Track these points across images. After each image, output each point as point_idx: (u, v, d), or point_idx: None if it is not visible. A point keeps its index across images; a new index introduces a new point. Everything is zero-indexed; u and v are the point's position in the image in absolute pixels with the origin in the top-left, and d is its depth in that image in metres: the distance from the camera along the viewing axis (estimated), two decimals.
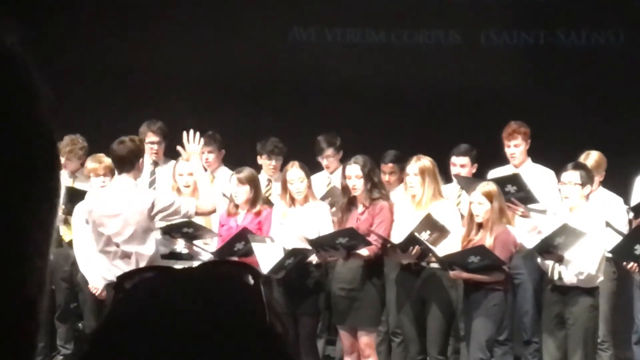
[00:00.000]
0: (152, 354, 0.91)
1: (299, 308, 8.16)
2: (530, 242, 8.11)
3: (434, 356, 8.07)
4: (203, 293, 0.96)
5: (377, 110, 11.33)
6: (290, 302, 8.09)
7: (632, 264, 7.99)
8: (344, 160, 8.78)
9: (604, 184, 8.81)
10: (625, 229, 8.45)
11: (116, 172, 7.78)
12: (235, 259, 7.75)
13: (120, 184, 7.54)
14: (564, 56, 11.33)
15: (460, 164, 9.00)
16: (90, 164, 8.83)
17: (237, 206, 8.44)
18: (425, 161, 8.10)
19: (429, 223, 7.88)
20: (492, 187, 7.92)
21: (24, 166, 0.92)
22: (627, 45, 11.14)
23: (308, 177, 8.38)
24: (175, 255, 8.66)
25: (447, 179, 8.80)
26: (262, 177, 9.20)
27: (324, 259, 8.23)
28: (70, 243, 8.83)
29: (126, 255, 7.45)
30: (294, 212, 8.29)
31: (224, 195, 8.83)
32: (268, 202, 8.72)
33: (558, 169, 8.35)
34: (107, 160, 8.31)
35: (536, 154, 9.09)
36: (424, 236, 7.85)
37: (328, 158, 9.50)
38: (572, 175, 7.94)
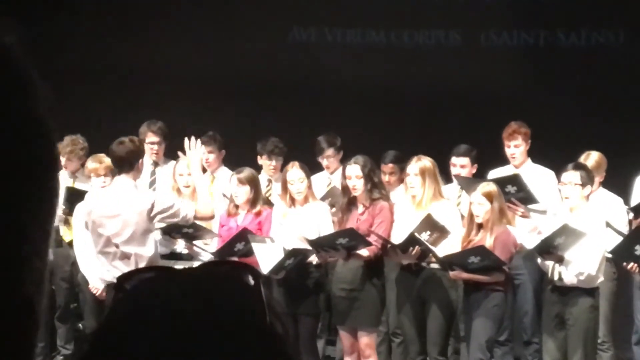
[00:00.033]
0: (152, 354, 0.91)
1: (299, 308, 8.15)
2: (530, 242, 8.11)
3: (434, 356, 8.07)
4: (203, 293, 0.96)
5: (377, 111, 11.33)
6: (291, 303, 8.09)
7: (632, 264, 7.99)
8: (344, 161, 8.78)
9: (604, 184, 8.81)
10: (625, 230, 8.46)
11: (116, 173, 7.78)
12: (236, 259, 7.75)
13: (119, 185, 7.54)
14: (564, 56, 11.33)
15: (461, 165, 9.00)
16: (90, 164, 8.83)
17: (237, 206, 8.44)
18: (426, 161, 8.10)
19: (429, 223, 7.88)
20: (492, 187, 7.92)
21: (23, 166, 0.92)
22: (627, 46, 11.14)
23: (308, 178, 8.38)
24: (175, 256, 8.67)
25: (448, 179, 8.80)
26: (263, 178, 9.20)
27: (324, 260, 8.23)
28: (70, 243, 8.83)
29: (125, 256, 7.45)
30: (294, 212, 8.29)
31: (224, 195, 8.83)
32: (268, 203, 8.72)
33: (558, 170, 8.35)
34: (108, 161, 8.31)
35: (536, 154, 9.09)
36: (424, 236, 7.85)
37: (328, 158, 9.50)
38: (572, 176, 7.94)
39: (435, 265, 8.02)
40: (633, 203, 8.60)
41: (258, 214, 8.42)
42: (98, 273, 7.81)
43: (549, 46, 11.47)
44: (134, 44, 11.77)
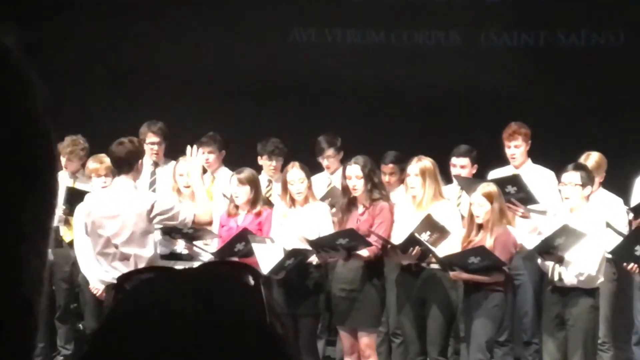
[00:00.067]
0: (152, 354, 0.91)
1: (299, 309, 8.15)
2: (530, 242, 8.11)
3: (434, 357, 8.07)
4: (203, 293, 0.96)
5: (377, 111, 11.34)
6: (291, 303, 8.09)
7: (632, 264, 7.99)
8: (344, 161, 8.78)
9: (604, 184, 8.81)
10: (625, 230, 8.46)
11: (113, 174, 7.78)
12: (236, 259, 7.75)
13: (119, 186, 7.54)
14: (564, 57, 11.33)
15: (461, 165, 9.00)
16: (91, 164, 8.84)
17: (237, 207, 8.44)
18: (426, 162, 8.10)
19: (429, 224, 7.88)
20: (492, 188, 7.92)
21: (22, 166, 0.92)
22: (627, 46, 11.14)
23: (308, 178, 8.38)
24: (175, 256, 8.67)
25: (448, 179, 8.81)
26: (263, 178, 9.20)
27: (324, 260, 8.23)
28: (70, 243, 8.83)
29: (125, 257, 7.45)
30: (294, 212, 8.29)
31: (224, 195, 8.83)
32: (268, 203, 8.72)
33: (558, 170, 8.35)
34: (109, 161, 8.31)
35: (536, 154, 9.09)
36: (424, 237, 7.85)
37: (329, 158, 9.49)
38: (572, 176, 7.94)
39: (435, 266, 8.02)
40: (633, 203, 8.60)
41: (258, 214, 8.42)
42: (97, 274, 7.80)
43: (549, 46, 11.47)
44: (134, 44, 11.77)
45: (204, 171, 9.18)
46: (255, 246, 8.05)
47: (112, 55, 11.81)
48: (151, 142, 9.54)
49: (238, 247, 8.14)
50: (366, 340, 8.22)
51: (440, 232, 7.88)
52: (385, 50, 11.81)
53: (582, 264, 7.79)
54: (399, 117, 11.21)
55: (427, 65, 11.47)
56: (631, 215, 8.55)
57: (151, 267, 1.05)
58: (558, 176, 8.32)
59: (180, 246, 8.64)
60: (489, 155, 9.13)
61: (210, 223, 7.94)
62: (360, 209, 8.21)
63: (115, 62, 11.80)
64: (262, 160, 9.56)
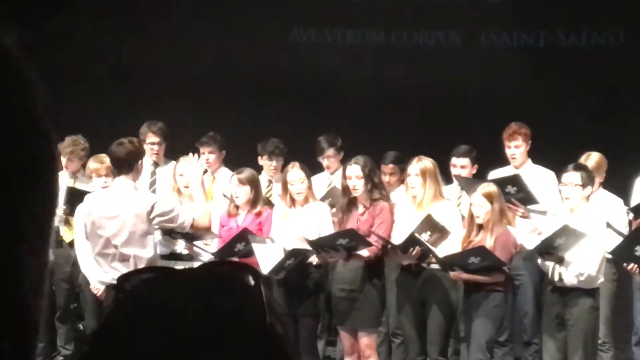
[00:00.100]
0: (152, 354, 0.91)
1: (299, 309, 8.15)
2: (530, 243, 8.11)
3: (434, 357, 8.07)
4: (203, 293, 0.96)
5: (377, 111, 11.34)
6: (291, 303, 8.09)
7: (632, 265, 7.99)
8: (344, 161, 8.78)
9: (604, 185, 8.81)
10: (625, 230, 8.46)
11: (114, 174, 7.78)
12: (236, 259, 7.75)
13: (118, 186, 7.54)
14: (564, 57, 11.33)
15: (461, 165, 9.00)
16: (92, 164, 8.84)
17: (237, 207, 8.45)
18: (427, 162, 8.10)
19: (430, 224, 7.88)
20: (492, 188, 7.92)
21: (22, 166, 0.92)
22: (627, 46, 11.15)
23: (308, 178, 8.38)
24: (175, 256, 8.67)
25: (448, 180, 8.81)
26: (263, 178, 9.20)
27: (325, 260, 8.23)
28: (71, 243, 8.83)
29: (124, 258, 7.45)
30: (294, 213, 8.29)
31: (224, 195, 8.83)
32: (268, 203, 8.72)
33: (558, 170, 8.35)
34: (109, 161, 8.31)
35: (536, 154, 9.09)
36: (425, 237, 7.85)
37: (329, 158, 9.50)
38: (572, 177, 7.94)
39: (435, 266, 8.02)
40: (633, 204, 8.60)
41: (258, 214, 8.42)
42: (96, 275, 7.79)
43: (549, 47, 11.47)
44: (134, 44, 11.78)
45: (204, 171, 9.19)
46: (255, 246, 8.05)
47: (112, 56, 11.81)
48: (151, 142, 9.54)
49: (238, 247, 8.14)
50: (366, 341, 8.22)
51: (440, 232, 7.88)
52: (385, 50, 11.81)
53: (582, 264, 7.79)
54: (399, 117, 11.21)
55: (427, 66, 11.48)
56: (631, 215, 8.55)
57: (151, 267, 1.05)
58: (558, 176, 8.32)
59: (181, 246, 8.64)
60: (489, 156, 9.13)
61: (208, 228, 7.97)
62: (361, 209, 8.21)
63: (116, 62, 11.80)
64: (263, 161, 9.56)
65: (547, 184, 8.75)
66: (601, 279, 7.94)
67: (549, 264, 7.97)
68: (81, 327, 9.47)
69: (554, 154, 8.89)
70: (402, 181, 8.58)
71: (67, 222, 8.90)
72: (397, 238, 7.99)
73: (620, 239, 8.14)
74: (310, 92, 11.45)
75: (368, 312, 8.16)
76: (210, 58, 11.79)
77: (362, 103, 11.38)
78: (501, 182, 8.29)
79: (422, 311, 8.09)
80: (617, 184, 8.86)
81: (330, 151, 9.49)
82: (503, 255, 7.74)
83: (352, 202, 8.24)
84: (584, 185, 7.92)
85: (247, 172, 8.44)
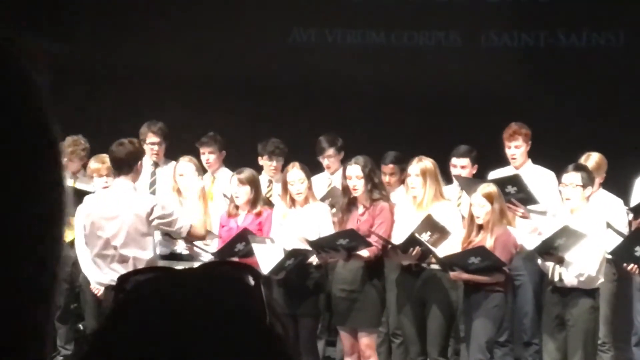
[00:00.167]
0: (153, 354, 0.92)
1: (299, 309, 8.15)
2: (530, 243, 8.11)
3: (434, 357, 8.07)
4: (203, 294, 0.96)
5: (377, 111, 11.34)
6: (291, 303, 8.09)
7: (632, 265, 7.99)
8: (345, 161, 8.78)
9: (604, 185, 8.81)
10: (625, 230, 8.46)
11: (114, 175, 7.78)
12: (236, 259, 7.76)
13: (118, 187, 7.54)
14: (564, 57, 11.33)
15: (461, 165, 9.00)
16: (93, 164, 8.84)
17: (237, 207, 8.45)
18: (427, 162, 8.10)
19: (430, 224, 7.88)
20: (492, 188, 7.92)
21: (22, 160, 0.92)
22: (627, 47, 11.14)
23: (308, 178, 8.38)
24: (175, 256, 8.67)
25: (448, 180, 8.81)
26: (263, 178, 9.20)
27: (325, 261, 8.23)
28: (71, 243, 8.83)
29: (124, 260, 7.44)
30: (294, 213, 8.29)
31: (225, 196, 8.83)
32: (268, 203, 8.72)
33: (558, 170, 8.35)
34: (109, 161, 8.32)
35: (536, 155, 9.09)
36: (425, 237, 7.85)
37: (329, 158, 9.50)
38: (573, 177, 7.94)
39: (435, 266, 8.02)
40: (633, 204, 8.60)
41: (258, 214, 8.42)
42: (95, 277, 7.78)
43: (549, 47, 11.47)
44: (134, 44, 11.78)
45: (204, 171, 9.20)
46: (255, 246, 8.06)
47: (112, 56, 11.81)
48: (151, 142, 9.54)
49: (238, 247, 8.14)
50: (366, 341, 8.22)
51: (440, 232, 7.88)
52: (386, 50, 11.81)
53: (582, 265, 7.79)
54: (399, 117, 11.21)
55: (427, 66, 11.48)
56: (631, 215, 8.55)
57: (151, 267, 1.05)
58: (558, 177, 8.32)
59: (181, 246, 8.64)
60: (489, 156, 9.13)
61: (203, 237, 8.01)
62: (361, 209, 8.21)
63: (116, 63, 11.80)
64: (263, 161, 9.56)
65: (547, 184, 8.75)
66: (601, 280, 7.94)
67: (549, 265, 7.97)
68: (81, 327, 9.46)
69: (554, 154, 8.89)
70: (402, 181, 8.58)
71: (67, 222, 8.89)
72: (397, 238, 7.99)
73: (620, 239, 8.14)
74: (310, 92, 11.45)
75: (368, 312, 8.16)
76: (211, 58, 11.79)
77: (362, 103, 11.38)
78: (501, 182, 8.29)
79: (422, 311, 8.09)
80: (617, 184, 8.86)
81: (331, 151, 9.49)
82: (503, 256, 7.74)
83: (352, 202, 8.24)
84: (584, 186, 7.92)
85: (247, 172, 8.44)
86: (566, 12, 11.29)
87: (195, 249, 8.51)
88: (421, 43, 11.78)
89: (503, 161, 9.14)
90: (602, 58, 11.18)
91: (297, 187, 8.25)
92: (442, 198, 8.14)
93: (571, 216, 7.94)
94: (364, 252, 8.03)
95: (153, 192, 9.24)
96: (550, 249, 7.85)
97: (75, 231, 8.60)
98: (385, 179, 8.77)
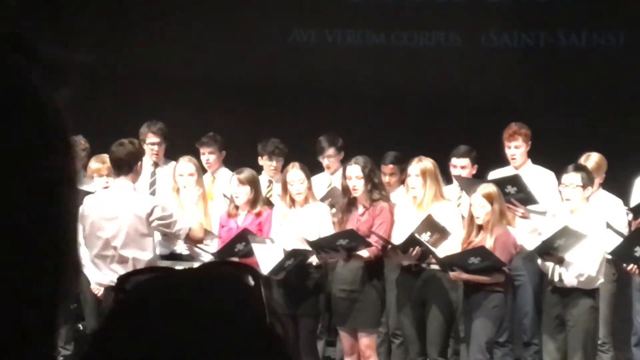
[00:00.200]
0: (153, 354, 0.92)
1: (299, 309, 8.16)
2: (530, 243, 8.11)
3: (434, 357, 8.07)
4: (203, 294, 0.96)
5: (377, 112, 11.34)
6: (290, 303, 8.09)
7: (632, 265, 7.99)
8: (344, 162, 8.78)
9: (604, 185, 8.81)
10: (624, 231, 8.45)
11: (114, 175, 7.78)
12: (236, 259, 7.76)
13: (117, 187, 7.54)
14: (564, 58, 11.33)
15: (461, 166, 9.00)
16: (93, 164, 8.84)
17: (237, 207, 8.45)
18: (427, 162, 8.10)
19: (430, 224, 7.88)
20: (492, 188, 7.92)
21: (31, 150, 0.92)
22: (627, 47, 11.14)
23: (308, 179, 8.38)
24: (175, 256, 8.67)
25: (448, 180, 8.81)
26: (263, 178, 9.20)
27: (325, 261, 8.23)
28: None
29: (123, 260, 7.44)
30: (294, 213, 8.29)
31: (224, 196, 8.83)
32: (268, 203, 8.72)
33: (558, 171, 8.35)
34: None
35: (536, 155, 9.09)
36: (425, 237, 7.85)
37: (329, 158, 9.50)
38: (573, 178, 7.94)
39: (435, 266, 8.02)
40: (633, 204, 8.60)
41: (258, 214, 8.42)
42: (95, 277, 7.78)
43: (549, 47, 11.46)
44: (134, 44, 11.77)
45: (204, 171, 9.20)
46: (255, 246, 8.06)
47: (112, 56, 11.81)
48: (151, 142, 9.54)
49: (238, 247, 8.14)
50: (366, 341, 8.22)
51: (440, 232, 7.88)
52: (386, 51, 11.80)
53: (582, 265, 7.79)
54: (399, 117, 11.21)
55: (427, 66, 11.47)
56: (630, 215, 8.55)
57: (151, 267, 1.05)
58: (558, 177, 8.32)
59: (181, 246, 8.64)
60: (489, 156, 9.13)
61: (201, 241, 8.03)
62: (360, 209, 8.21)
63: (116, 63, 11.80)
64: (263, 161, 9.56)
65: (547, 184, 8.75)
66: (601, 280, 7.94)
67: (549, 265, 7.97)
68: (81, 327, 9.46)
69: (554, 155, 8.89)
70: (402, 181, 8.58)
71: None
72: (397, 238, 7.99)
73: (620, 240, 8.14)
74: (310, 92, 11.45)
75: (368, 313, 8.16)
76: (210, 58, 11.79)
77: (362, 103, 11.38)
78: (501, 183, 8.29)
79: (422, 311, 8.09)
80: (617, 185, 8.86)
81: (331, 151, 9.50)
82: (503, 256, 7.74)
83: (352, 203, 8.24)
84: (584, 186, 7.92)
85: (247, 172, 8.44)
86: (566, 12, 11.29)
87: (195, 249, 8.51)
88: (421, 43, 11.78)
89: (503, 161, 9.14)
90: (602, 58, 11.17)
91: (297, 187, 8.25)
92: (442, 198, 8.14)
93: (571, 216, 7.94)
94: (364, 253, 8.03)
95: (153, 193, 9.24)
96: (550, 250, 7.85)
97: None
98: (385, 179, 8.77)
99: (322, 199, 8.73)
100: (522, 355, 9.11)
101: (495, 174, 8.96)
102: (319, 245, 8.04)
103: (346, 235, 7.96)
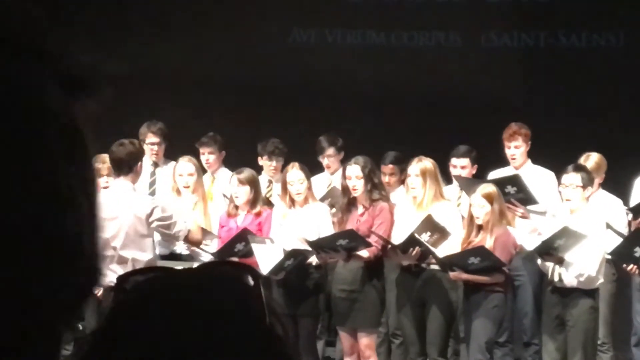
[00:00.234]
0: (152, 354, 0.92)
1: (299, 309, 8.16)
2: (530, 243, 8.11)
3: (434, 357, 8.07)
4: (203, 294, 0.96)
5: (377, 112, 11.34)
6: (290, 303, 8.09)
7: (631, 266, 7.99)
8: (344, 161, 8.78)
9: (604, 185, 8.81)
10: (624, 231, 8.45)
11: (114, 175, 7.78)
12: (236, 259, 7.76)
13: (117, 188, 7.54)
14: (564, 58, 11.33)
15: (461, 166, 9.00)
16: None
17: (237, 207, 8.45)
18: (427, 162, 8.10)
19: (430, 224, 7.88)
20: (492, 188, 7.92)
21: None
22: (628, 47, 11.14)
23: (308, 179, 8.38)
24: (175, 256, 8.67)
25: (448, 180, 8.81)
26: (263, 178, 9.20)
27: (324, 261, 8.24)
28: None
29: (123, 261, 7.44)
30: (293, 213, 8.29)
31: (224, 196, 8.83)
32: (268, 203, 8.72)
33: (558, 171, 8.35)
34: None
35: (536, 155, 9.09)
36: (425, 237, 7.85)
37: (329, 158, 9.50)
38: (573, 178, 7.94)
39: (435, 266, 8.02)
40: (632, 204, 8.60)
41: (258, 214, 8.42)
42: None
43: (549, 47, 11.47)
44: (134, 44, 11.77)
45: (204, 171, 9.20)
46: (255, 246, 8.06)
47: (112, 57, 11.79)
48: (151, 142, 9.54)
49: (238, 247, 8.14)
50: (366, 341, 8.22)
51: (440, 232, 7.88)
52: (386, 50, 11.81)
53: (582, 265, 7.79)
54: (399, 117, 11.21)
55: (427, 66, 11.48)
56: (630, 215, 8.55)
57: (150, 267, 1.05)
58: (558, 177, 8.32)
59: (180, 246, 8.64)
60: (489, 156, 9.13)
61: (199, 243, 8.03)
62: (360, 209, 8.21)
63: (115, 63, 11.79)
64: (262, 161, 9.56)
65: (547, 184, 8.75)
66: (601, 280, 7.94)
67: (549, 265, 7.97)
68: (81, 327, 9.46)
69: (554, 155, 8.89)
70: (401, 181, 8.58)
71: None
72: (397, 238, 7.99)
73: (619, 240, 8.14)
74: (310, 92, 11.45)
75: (368, 313, 8.16)
76: (211, 58, 11.79)
77: (362, 103, 11.38)
78: (501, 183, 8.29)
79: (421, 311, 8.09)
80: (617, 185, 8.86)
81: (331, 150, 9.50)
82: (503, 256, 7.74)
83: (351, 203, 8.24)
84: (584, 187, 7.92)
85: (246, 172, 8.44)
86: (566, 12, 11.29)
87: (195, 249, 8.51)
88: (421, 43, 11.78)
89: (503, 161, 9.14)
90: (602, 58, 11.18)
91: (296, 187, 8.25)
92: (442, 198, 8.14)
93: (571, 217, 7.94)
94: (364, 253, 8.03)
95: (152, 193, 9.24)
96: (550, 250, 7.85)
97: None
98: (385, 179, 8.77)
99: (322, 199, 8.73)
100: (522, 355, 9.11)
101: (495, 174, 8.96)
102: (319, 245, 8.04)
103: (346, 236, 7.96)
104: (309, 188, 8.36)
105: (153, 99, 11.19)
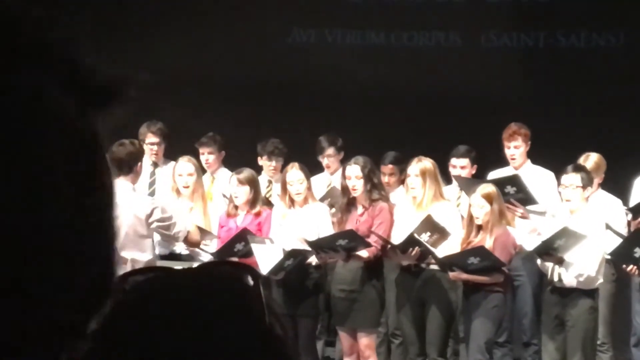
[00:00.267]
0: (152, 354, 0.92)
1: (299, 309, 8.16)
2: (529, 243, 8.11)
3: (434, 357, 8.07)
4: (202, 294, 0.96)
5: (377, 112, 11.34)
6: (290, 304, 8.09)
7: (631, 266, 7.99)
8: (344, 162, 8.79)
9: (603, 185, 8.81)
10: (624, 231, 8.45)
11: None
12: (235, 259, 7.76)
13: (117, 188, 7.52)
14: (563, 58, 11.33)
15: (460, 166, 9.00)
16: None
17: (236, 207, 8.45)
18: (427, 162, 8.10)
19: (429, 224, 7.88)
20: (491, 189, 7.92)
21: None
22: (627, 47, 11.14)
23: (308, 179, 8.38)
24: (175, 256, 8.67)
25: (447, 180, 8.81)
26: (263, 178, 9.20)
27: (324, 261, 8.24)
28: None
29: (122, 262, 7.44)
30: (293, 213, 8.29)
31: (224, 196, 8.84)
32: (268, 203, 8.73)
33: (558, 171, 8.35)
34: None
35: (536, 155, 9.09)
36: (424, 237, 7.85)
37: (329, 157, 9.50)
38: (573, 178, 7.94)
39: (434, 267, 8.02)
40: (632, 204, 8.60)
41: (257, 214, 8.42)
42: None
43: (548, 47, 11.47)
44: (134, 45, 11.77)
45: (204, 171, 9.20)
46: (254, 246, 8.06)
47: (112, 56, 11.79)
48: (150, 142, 9.54)
49: (238, 247, 8.14)
50: (366, 341, 8.23)
51: (440, 232, 7.88)
52: (386, 50, 11.81)
53: (582, 265, 7.79)
54: (399, 117, 11.21)
55: (427, 66, 11.48)
56: (630, 216, 8.55)
57: (150, 267, 1.05)
58: (557, 177, 8.32)
59: (180, 246, 8.64)
60: (488, 156, 9.13)
61: (198, 244, 8.04)
62: (360, 209, 8.22)
63: (115, 63, 11.79)
64: (262, 161, 9.56)
65: (547, 184, 8.75)
66: (600, 280, 7.94)
67: (549, 265, 7.97)
68: None
69: (554, 155, 8.89)
70: (401, 182, 8.58)
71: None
72: (397, 238, 7.99)
73: (619, 240, 8.14)
74: (310, 92, 11.45)
75: (367, 313, 8.16)
76: (211, 58, 11.79)
77: (362, 103, 11.38)
78: (500, 183, 8.29)
79: (421, 311, 8.09)
80: (617, 185, 8.86)
81: (331, 150, 9.50)
82: (502, 256, 7.74)
83: (351, 203, 8.24)
84: (584, 187, 7.92)
85: (246, 172, 8.44)
86: (566, 12, 11.29)
87: (194, 248, 8.51)
88: (421, 43, 11.78)
89: (502, 161, 9.14)
90: (602, 58, 11.18)
91: (296, 187, 8.25)
92: (441, 198, 8.14)
93: (570, 217, 7.94)
94: (363, 253, 8.03)
95: (152, 193, 9.24)
96: (549, 250, 7.85)
97: None
98: (385, 179, 8.77)
99: (322, 199, 8.73)
100: (522, 356, 9.11)
101: (495, 174, 8.96)
102: (319, 246, 8.04)
103: (345, 236, 7.96)
104: (309, 188, 8.36)
105: (153, 99, 11.17)
